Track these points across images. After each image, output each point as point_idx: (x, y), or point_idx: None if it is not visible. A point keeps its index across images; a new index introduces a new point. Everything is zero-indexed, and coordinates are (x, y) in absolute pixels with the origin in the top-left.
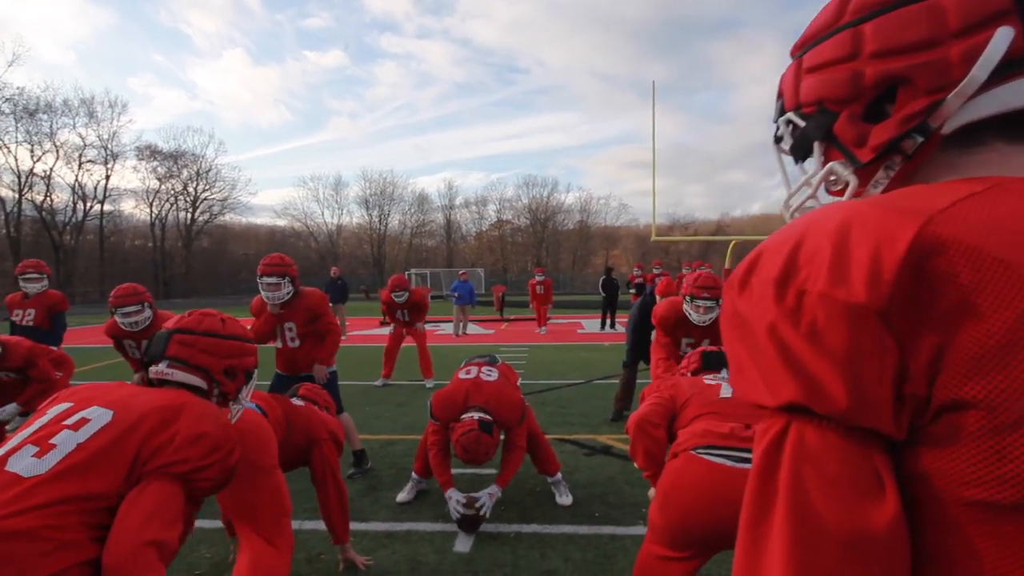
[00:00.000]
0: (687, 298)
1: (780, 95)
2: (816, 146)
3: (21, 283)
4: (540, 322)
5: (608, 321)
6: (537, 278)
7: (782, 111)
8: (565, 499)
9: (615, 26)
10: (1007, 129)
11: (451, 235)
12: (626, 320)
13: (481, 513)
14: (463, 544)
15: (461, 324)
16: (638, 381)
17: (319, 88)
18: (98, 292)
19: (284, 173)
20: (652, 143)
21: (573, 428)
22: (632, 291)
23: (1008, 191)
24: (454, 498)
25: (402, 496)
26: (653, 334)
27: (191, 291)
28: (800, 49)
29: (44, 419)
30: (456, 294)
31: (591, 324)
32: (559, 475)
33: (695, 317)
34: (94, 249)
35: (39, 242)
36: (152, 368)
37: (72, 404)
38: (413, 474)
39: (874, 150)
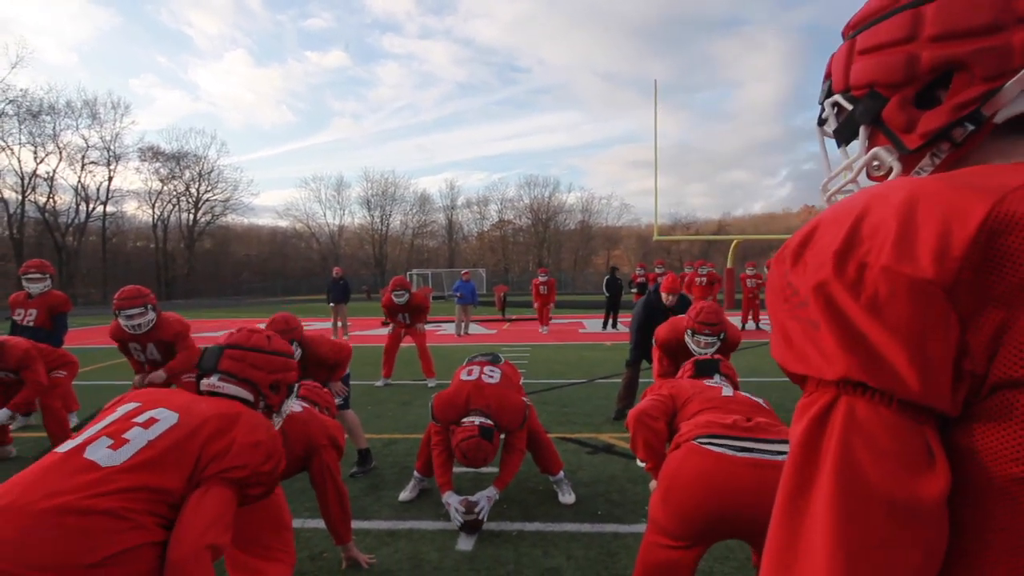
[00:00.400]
0: (688, 331)
1: (828, 76)
2: (862, 130)
3: (24, 283)
4: (542, 321)
5: (610, 321)
6: (540, 278)
7: (829, 92)
8: (568, 497)
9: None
10: None
11: (453, 235)
12: (628, 320)
13: (480, 518)
14: (465, 543)
15: (463, 324)
16: (640, 380)
17: (321, 89)
18: (100, 293)
19: (286, 174)
20: (654, 142)
21: (575, 427)
22: (634, 291)
23: None
24: (452, 504)
25: (404, 495)
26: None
27: (193, 292)
28: (853, 29)
29: (114, 416)
30: (458, 294)
31: (593, 324)
32: (562, 474)
33: (696, 350)
34: (96, 250)
35: (42, 243)
36: (204, 381)
37: (140, 404)
38: (415, 473)
39: (923, 137)
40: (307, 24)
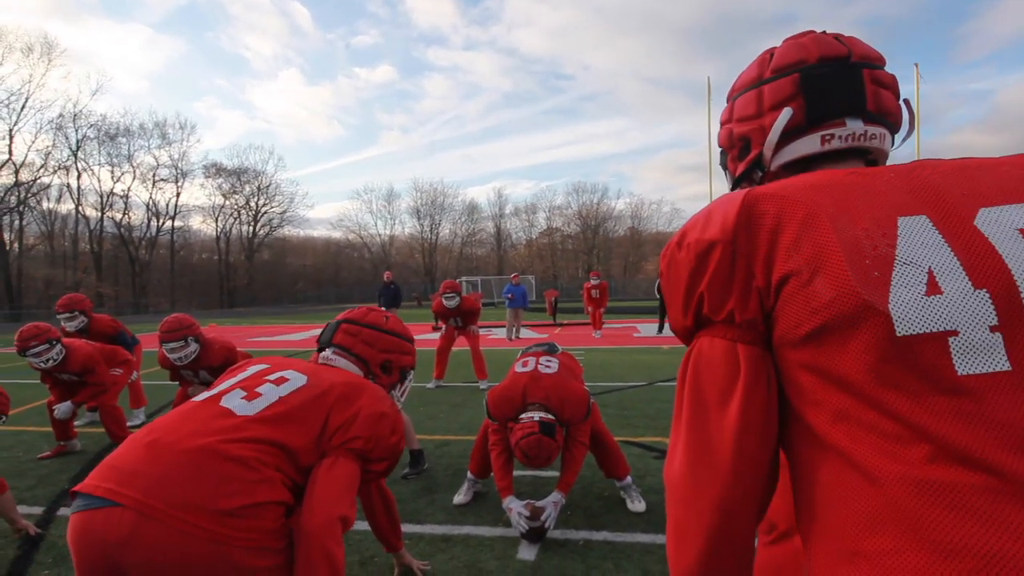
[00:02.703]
0: None
1: None
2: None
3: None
4: (595, 326)
5: (666, 325)
6: (592, 281)
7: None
8: (638, 505)
9: (661, 26)
10: (815, 164)
11: (501, 243)
12: None
13: (546, 525)
14: (527, 552)
15: (514, 328)
16: None
17: (370, 103)
18: (169, 302)
19: (339, 187)
20: (708, 143)
21: (638, 431)
22: None
23: (809, 174)
24: (515, 509)
25: (459, 498)
26: None
27: (253, 301)
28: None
29: (245, 374)
30: (510, 295)
31: (647, 328)
32: (629, 479)
33: None
34: (166, 263)
35: (118, 257)
36: (320, 354)
37: (269, 366)
38: (469, 475)
39: (734, 179)
40: (355, 41)
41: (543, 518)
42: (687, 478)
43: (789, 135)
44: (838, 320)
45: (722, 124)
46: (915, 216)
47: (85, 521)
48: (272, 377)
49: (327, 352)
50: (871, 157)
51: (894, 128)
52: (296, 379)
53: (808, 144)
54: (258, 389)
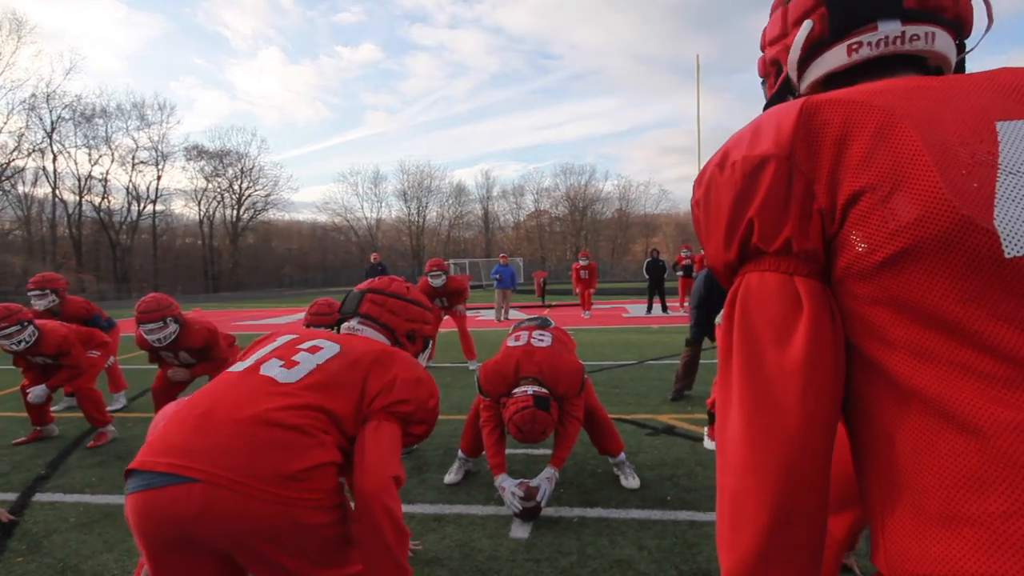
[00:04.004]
0: None
1: None
2: None
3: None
4: (584, 307)
5: (660, 305)
6: (581, 262)
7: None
8: (632, 481)
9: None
10: (853, 81)
11: (489, 226)
12: (676, 304)
13: (541, 504)
14: (520, 530)
15: (503, 309)
16: (701, 361)
17: (354, 83)
18: (152, 288)
19: (324, 170)
20: (696, 123)
21: (630, 408)
22: (680, 274)
23: (874, 83)
24: (509, 489)
25: (450, 477)
26: (720, 315)
27: (239, 285)
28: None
29: (275, 344)
30: (497, 276)
31: (636, 309)
32: (623, 455)
33: None
34: (148, 248)
35: (98, 242)
36: (344, 324)
37: (297, 336)
38: (460, 454)
39: (768, 105)
40: (337, 19)
41: (538, 498)
42: (745, 438)
43: (815, 50)
44: (926, 242)
45: (762, 50)
46: (1016, 121)
47: (150, 501)
48: (305, 346)
49: (352, 322)
50: (932, 64)
51: (955, 27)
52: (329, 347)
53: (834, 57)
54: (295, 358)
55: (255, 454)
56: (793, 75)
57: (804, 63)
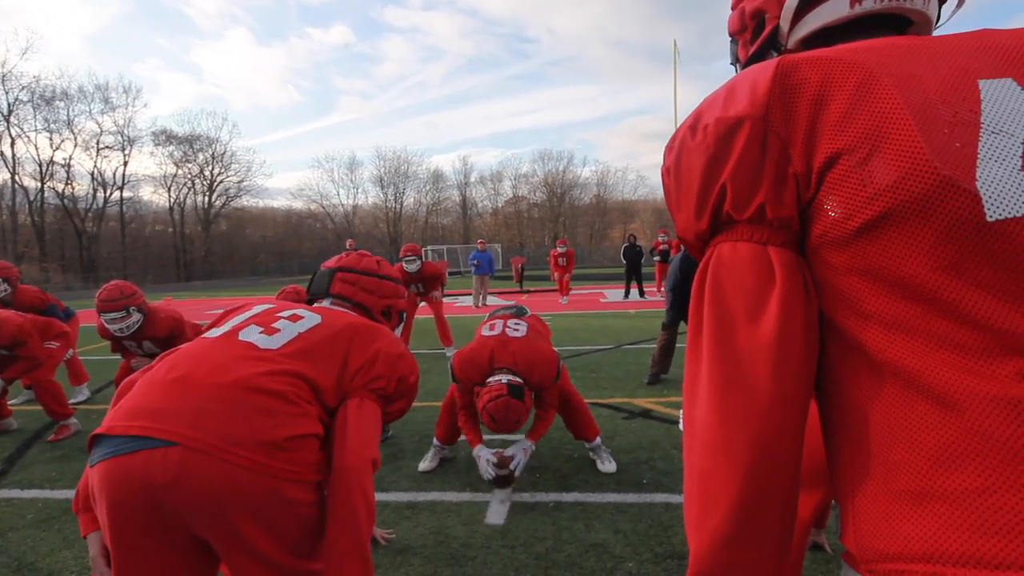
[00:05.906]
0: None
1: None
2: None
3: None
4: (562, 292)
5: (637, 290)
6: (559, 248)
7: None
8: (608, 466)
9: None
10: (838, 39)
11: (467, 212)
12: (652, 289)
13: (515, 472)
14: (496, 516)
15: (481, 295)
16: (678, 345)
17: (326, 67)
18: (121, 277)
19: (298, 156)
20: (674, 109)
21: (607, 392)
22: (656, 259)
23: (853, 43)
24: (484, 456)
25: (424, 465)
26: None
27: (212, 273)
28: None
29: (251, 312)
30: (475, 262)
31: (614, 294)
32: (599, 440)
33: None
34: (116, 235)
35: (63, 229)
36: (315, 305)
37: (275, 306)
38: (435, 441)
39: (742, 65)
40: None
41: (511, 466)
42: (714, 414)
43: (810, 1)
44: (905, 205)
45: (733, 8)
46: (998, 79)
47: (120, 466)
48: (285, 314)
49: (324, 303)
50: (913, 29)
51: None
52: (310, 317)
53: (834, 8)
54: (275, 325)
55: (238, 419)
56: (785, 25)
57: (799, 14)
